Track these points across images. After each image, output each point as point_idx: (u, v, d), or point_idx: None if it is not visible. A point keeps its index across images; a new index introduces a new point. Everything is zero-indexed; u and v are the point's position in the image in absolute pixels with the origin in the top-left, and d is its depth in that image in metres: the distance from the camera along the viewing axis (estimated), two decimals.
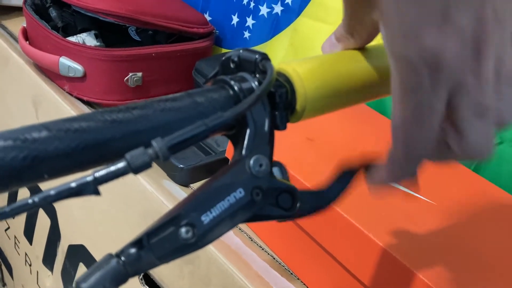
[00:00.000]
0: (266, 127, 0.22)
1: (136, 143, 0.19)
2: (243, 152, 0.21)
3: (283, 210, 0.22)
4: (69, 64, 0.67)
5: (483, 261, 0.40)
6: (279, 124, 0.23)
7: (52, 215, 0.74)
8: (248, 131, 0.21)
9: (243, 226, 0.53)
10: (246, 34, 0.75)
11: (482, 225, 0.45)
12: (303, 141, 0.51)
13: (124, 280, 0.18)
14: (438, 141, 0.22)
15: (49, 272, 0.79)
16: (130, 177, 0.61)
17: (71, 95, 0.70)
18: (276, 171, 0.22)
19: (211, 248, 0.49)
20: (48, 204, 0.16)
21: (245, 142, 0.21)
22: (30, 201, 0.16)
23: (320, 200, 0.24)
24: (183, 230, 0.19)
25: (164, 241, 0.19)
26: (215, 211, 0.19)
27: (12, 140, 0.17)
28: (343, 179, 0.25)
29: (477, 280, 0.38)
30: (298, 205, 0.22)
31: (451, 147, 0.22)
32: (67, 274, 0.73)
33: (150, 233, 0.19)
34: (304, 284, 0.48)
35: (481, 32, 0.19)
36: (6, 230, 0.90)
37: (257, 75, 0.22)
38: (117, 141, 0.19)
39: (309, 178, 0.44)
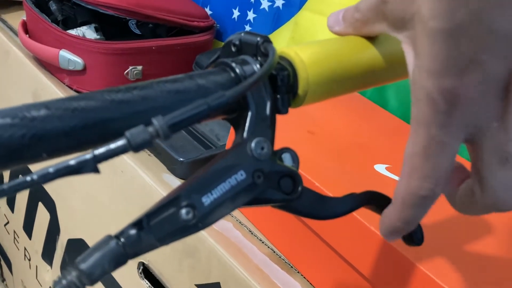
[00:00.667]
0: (268, 110, 0.21)
1: (136, 123, 0.18)
2: (245, 134, 0.21)
3: (284, 194, 0.21)
4: (69, 57, 0.67)
5: (487, 255, 0.39)
6: (280, 107, 0.22)
7: (52, 209, 0.74)
8: (249, 113, 0.21)
9: (242, 219, 0.53)
10: (247, 28, 0.75)
11: (486, 219, 0.44)
12: (304, 134, 0.51)
13: (123, 261, 0.18)
14: (462, 191, 0.22)
15: (48, 267, 0.78)
16: (130, 170, 0.61)
17: (71, 88, 0.70)
18: (287, 157, 0.22)
19: (211, 241, 0.49)
20: (47, 181, 0.16)
21: (247, 124, 0.21)
22: (28, 178, 0.16)
23: (322, 206, 0.24)
24: (183, 211, 0.18)
25: (164, 222, 0.18)
26: (216, 193, 0.19)
27: (11, 118, 0.17)
28: (353, 202, 0.25)
29: (481, 273, 0.37)
30: (299, 189, 0.22)
31: (475, 194, 0.22)
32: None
33: (150, 214, 0.18)
34: (304, 277, 0.47)
35: (510, 79, 0.19)
36: (5, 225, 0.90)
37: (259, 58, 0.22)
38: (117, 121, 0.18)
39: (310, 171, 0.44)
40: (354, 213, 0.40)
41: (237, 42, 0.23)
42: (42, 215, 0.76)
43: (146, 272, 0.58)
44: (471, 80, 0.19)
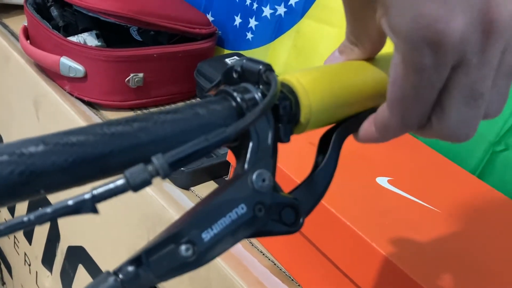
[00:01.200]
0: (270, 140, 0.21)
1: (136, 157, 0.18)
2: (246, 166, 0.20)
3: (286, 226, 0.21)
4: (70, 64, 0.67)
5: (487, 268, 0.39)
6: (282, 137, 0.22)
7: None
8: (250, 144, 0.21)
9: None
10: (249, 35, 0.74)
11: (487, 232, 0.44)
12: (305, 146, 0.51)
13: None
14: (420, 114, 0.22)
15: (48, 273, 0.78)
16: None
17: (72, 95, 0.69)
18: None
19: None
20: (44, 222, 0.16)
21: (248, 156, 0.20)
22: (25, 219, 0.16)
23: (315, 188, 0.23)
24: (183, 248, 0.18)
25: (164, 259, 0.18)
26: (216, 228, 0.19)
27: (8, 155, 0.16)
28: (331, 150, 0.24)
29: (481, 287, 0.37)
30: (301, 220, 0.22)
31: (432, 122, 0.22)
32: (66, 275, 0.73)
33: (149, 251, 0.18)
34: None
35: (492, 18, 0.19)
36: None
37: (261, 86, 0.22)
38: (116, 155, 0.18)
39: None
40: (356, 229, 0.40)
41: (238, 69, 0.23)
42: None
43: None
44: (453, 11, 0.19)
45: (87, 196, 0.16)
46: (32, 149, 0.17)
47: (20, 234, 0.84)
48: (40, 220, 0.16)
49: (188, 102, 0.21)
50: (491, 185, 0.50)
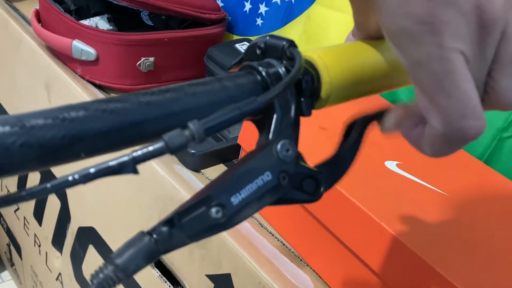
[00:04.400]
0: (292, 113, 0.22)
1: (169, 125, 0.19)
2: (270, 136, 0.21)
3: (307, 194, 0.22)
4: (82, 48, 0.67)
5: (493, 251, 0.40)
6: (304, 110, 0.23)
7: (63, 197, 0.75)
8: (275, 116, 0.22)
9: None
10: (259, 21, 0.75)
11: (493, 217, 0.45)
12: (316, 130, 0.52)
13: (155, 257, 0.19)
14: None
15: (58, 253, 0.80)
16: None
17: (83, 78, 0.70)
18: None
19: (222, 232, 0.50)
20: (87, 181, 0.17)
21: (272, 127, 0.22)
22: (70, 178, 0.17)
23: (337, 167, 0.25)
24: (213, 210, 0.19)
25: (195, 220, 0.19)
26: (244, 193, 0.20)
27: (52, 119, 0.17)
28: (355, 134, 0.25)
29: (487, 269, 0.38)
30: (321, 190, 0.23)
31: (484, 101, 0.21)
32: (76, 255, 0.74)
33: (181, 213, 0.19)
34: (313, 270, 0.48)
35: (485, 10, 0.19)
36: (15, 211, 0.91)
37: (284, 62, 0.23)
38: (151, 123, 0.19)
39: None
40: (365, 209, 0.41)
41: (262, 45, 0.24)
42: (53, 203, 0.77)
43: (157, 262, 0.59)
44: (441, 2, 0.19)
45: (128, 157, 0.17)
46: (73, 114, 0.18)
47: (30, 215, 0.85)
48: (84, 179, 0.17)
49: (215, 76, 0.22)
50: (497, 171, 0.51)
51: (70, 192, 0.73)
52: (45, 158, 0.17)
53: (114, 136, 0.18)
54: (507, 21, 0.20)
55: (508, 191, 0.50)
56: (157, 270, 0.59)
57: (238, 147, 0.60)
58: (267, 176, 0.21)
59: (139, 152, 0.17)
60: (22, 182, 0.86)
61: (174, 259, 0.56)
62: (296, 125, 0.22)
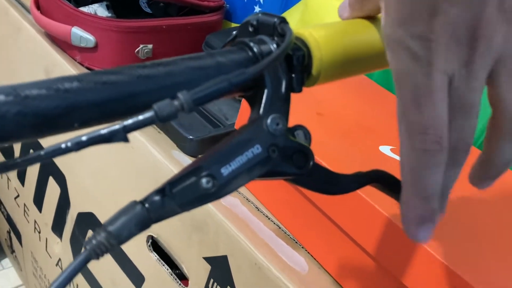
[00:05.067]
0: (283, 89, 0.23)
1: (161, 97, 0.20)
2: (261, 111, 0.22)
3: (296, 168, 0.23)
4: (81, 34, 0.68)
5: (494, 239, 0.41)
6: (295, 86, 0.23)
7: (62, 183, 0.75)
8: (265, 91, 0.22)
9: (250, 196, 0.55)
10: (257, 9, 0.75)
11: (498, 208, 0.45)
12: (312, 116, 0.52)
13: (147, 225, 0.19)
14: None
15: (58, 239, 0.81)
16: (141, 146, 0.62)
17: (82, 65, 0.71)
18: (300, 134, 0.23)
19: (219, 215, 0.51)
20: (80, 148, 0.18)
21: (263, 101, 0.22)
22: (63, 145, 0.17)
23: (331, 182, 0.25)
24: (204, 180, 0.20)
25: (186, 190, 0.20)
26: (234, 165, 0.20)
27: (46, 89, 0.18)
28: (361, 180, 0.26)
29: (487, 256, 0.39)
30: (311, 164, 0.23)
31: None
32: (76, 241, 0.75)
33: (173, 183, 0.20)
34: (308, 252, 0.49)
35: (476, 27, 0.20)
36: (15, 198, 0.92)
37: (276, 38, 0.23)
38: (144, 95, 0.20)
39: (317, 152, 0.45)
40: (358, 191, 0.42)
41: (254, 23, 0.24)
42: (53, 189, 0.78)
43: (155, 245, 0.60)
44: (439, 26, 0.20)
45: (119, 125, 0.18)
46: (67, 85, 0.18)
47: (30, 202, 0.86)
48: (76, 147, 0.17)
49: (208, 51, 0.23)
50: None
51: (70, 178, 0.74)
52: (40, 127, 0.18)
53: (107, 107, 0.19)
54: (501, 45, 0.21)
55: (509, 181, 0.50)
56: (155, 254, 0.60)
57: None
58: (257, 149, 0.21)
59: (130, 121, 0.18)
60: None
61: (173, 243, 0.57)
62: (286, 101, 0.23)
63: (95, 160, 0.68)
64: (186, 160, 0.59)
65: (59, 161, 0.75)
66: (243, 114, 0.54)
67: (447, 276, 0.36)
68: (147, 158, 0.59)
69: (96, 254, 0.18)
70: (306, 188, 0.24)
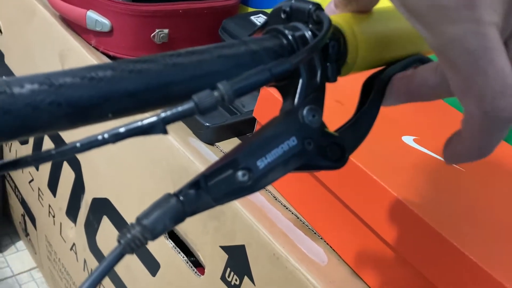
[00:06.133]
0: (318, 78, 0.22)
1: (196, 87, 0.19)
2: (296, 102, 0.21)
3: (331, 161, 0.22)
4: (96, 18, 0.67)
5: (507, 224, 0.40)
6: (330, 76, 0.23)
7: (77, 168, 0.75)
8: (301, 81, 0.21)
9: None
10: None
11: (509, 192, 0.45)
12: (332, 104, 0.51)
13: (182, 219, 0.19)
14: None
15: (72, 224, 0.81)
16: None
17: (97, 49, 0.70)
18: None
19: (237, 204, 0.50)
20: (117, 140, 0.17)
21: (298, 92, 0.21)
22: (100, 137, 0.17)
23: (358, 129, 0.24)
24: (239, 173, 0.19)
25: (221, 183, 0.19)
26: (270, 157, 0.20)
27: (80, 78, 0.17)
28: (375, 92, 0.25)
29: (503, 243, 0.38)
30: (346, 157, 0.22)
31: None
32: (90, 226, 0.76)
33: (208, 175, 0.19)
34: (327, 243, 0.49)
35: None
36: (30, 182, 0.93)
37: (310, 25, 0.22)
38: (178, 84, 0.19)
39: None
40: (381, 182, 0.41)
41: (287, 9, 0.23)
42: (67, 174, 0.78)
43: (171, 233, 0.60)
44: None
45: (157, 117, 0.17)
46: (101, 74, 0.18)
47: (44, 187, 0.86)
48: (113, 139, 0.17)
49: (241, 38, 0.22)
50: None
51: (85, 164, 0.74)
52: (74, 117, 0.17)
53: (141, 97, 0.18)
54: None
55: None
56: (171, 241, 0.60)
57: (252, 121, 0.60)
58: (292, 141, 0.20)
59: (169, 113, 0.17)
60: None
61: (188, 230, 0.57)
62: (321, 91, 0.22)
63: (111, 146, 0.67)
64: (203, 148, 0.58)
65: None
66: (262, 102, 0.53)
67: (469, 269, 0.36)
68: (163, 145, 0.59)
69: (131, 248, 0.18)
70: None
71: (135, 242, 0.18)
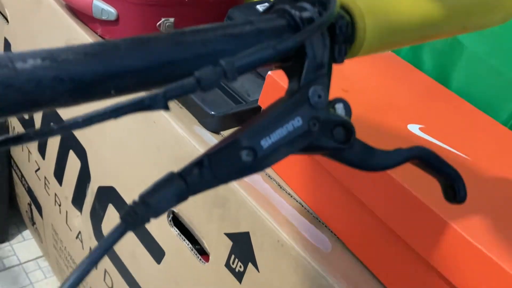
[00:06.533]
0: (325, 59, 0.22)
1: (200, 65, 0.19)
2: (301, 82, 0.21)
3: (337, 142, 0.22)
4: (102, 7, 0.67)
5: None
6: (337, 57, 0.22)
7: (83, 157, 0.76)
8: (307, 61, 0.21)
9: (272, 173, 0.54)
10: None
11: None
12: (338, 93, 0.51)
13: (185, 198, 0.19)
14: None
15: (78, 213, 0.81)
16: (163, 121, 0.62)
17: (103, 38, 0.70)
18: (340, 107, 0.22)
19: (241, 192, 0.50)
20: (119, 115, 0.17)
21: (304, 72, 0.21)
22: (101, 112, 0.17)
23: (370, 158, 0.24)
24: (244, 153, 0.19)
25: (225, 162, 0.19)
26: (274, 137, 0.20)
27: (83, 55, 0.17)
28: (401, 156, 0.25)
29: (508, 231, 0.38)
30: (352, 138, 0.22)
31: None
32: (96, 214, 0.76)
33: (211, 155, 0.19)
34: (331, 231, 0.48)
35: None
36: (36, 171, 0.93)
37: (317, 6, 0.22)
38: (182, 62, 0.19)
39: None
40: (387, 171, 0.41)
41: None
42: (73, 163, 0.78)
43: (175, 220, 0.60)
44: None
45: (160, 92, 0.17)
46: (104, 50, 0.18)
47: (50, 175, 0.87)
48: (115, 114, 0.17)
49: (247, 18, 0.22)
50: None
51: (90, 153, 0.74)
52: (76, 93, 0.17)
53: (145, 74, 0.18)
54: None
55: None
56: (176, 229, 0.60)
57: (257, 110, 0.59)
58: (297, 122, 0.20)
59: (170, 88, 0.17)
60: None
61: (193, 218, 0.57)
62: (328, 72, 0.22)
63: (116, 134, 0.67)
64: (208, 136, 0.58)
65: (80, 134, 0.75)
66: (267, 90, 0.53)
67: (475, 255, 0.36)
68: (169, 133, 0.59)
69: (133, 225, 0.18)
70: (343, 163, 0.23)
71: (137, 220, 0.18)
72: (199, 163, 0.19)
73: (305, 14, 0.22)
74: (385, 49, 0.25)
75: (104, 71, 0.17)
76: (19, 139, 0.17)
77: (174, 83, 0.17)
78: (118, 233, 0.18)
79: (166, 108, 0.17)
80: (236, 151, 0.19)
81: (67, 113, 0.70)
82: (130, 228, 0.18)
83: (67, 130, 0.17)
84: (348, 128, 0.22)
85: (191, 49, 0.19)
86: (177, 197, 0.19)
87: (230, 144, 0.19)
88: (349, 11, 0.23)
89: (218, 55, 0.19)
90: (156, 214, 0.18)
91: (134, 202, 0.18)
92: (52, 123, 0.17)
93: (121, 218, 0.18)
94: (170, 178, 0.19)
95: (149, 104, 0.17)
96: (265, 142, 0.19)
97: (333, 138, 0.22)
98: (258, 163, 0.19)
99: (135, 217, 0.18)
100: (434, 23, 0.25)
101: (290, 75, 0.22)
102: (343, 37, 0.22)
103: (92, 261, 0.17)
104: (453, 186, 0.25)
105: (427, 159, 0.25)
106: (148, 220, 0.18)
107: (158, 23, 0.68)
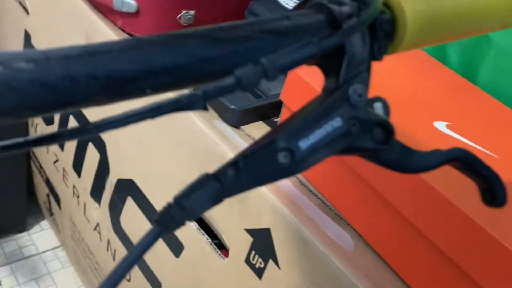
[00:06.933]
0: (365, 56, 0.21)
1: (238, 62, 0.18)
2: (340, 80, 0.20)
3: (376, 143, 0.21)
4: None
5: None
6: (376, 54, 0.21)
7: (102, 150, 0.76)
8: (346, 58, 0.20)
9: None
10: None
11: None
12: None
13: (220, 200, 0.18)
14: None
15: (97, 204, 0.82)
16: (183, 115, 0.61)
17: (123, 31, 0.70)
18: (378, 106, 0.21)
19: (263, 188, 0.50)
20: (157, 116, 0.16)
21: (343, 70, 0.20)
22: (139, 111, 0.16)
23: (409, 159, 0.23)
24: (281, 154, 0.18)
25: (261, 164, 0.18)
26: (312, 138, 0.19)
27: (119, 51, 0.17)
28: (440, 158, 0.24)
29: None
30: (392, 139, 0.21)
31: None
32: (115, 207, 0.76)
33: (247, 156, 0.18)
34: (354, 229, 0.48)
35: None
36: (54, 162, 0.94)
37: (356, 0, 0.21)
38: (220, 59, 0.18)
39: None
40: None
41: None
42: (92, 155, 0.78)
43: None
44: None
45: (198, 92, 0.16)
46: (140, 46, 0.17)
47: (69, 167, 0.87)
48: (152, 114, 0.16)
49: (284, 13, 0.21)
50: None
51: (110, 145, 0.74)
52: (111, 91, 0.17)
53: (181, 72, 0.18)
54: None
55: None
56: (195, 223, 0.60)
57: (278, 105, 0.59)
58: (337, 122, 0.19)
59: (209, 88, 0.16)
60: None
61: (213, 212, 0.56)
62: (367, 70, 0.21)
63: (136, 127, 0.67)
64: (228, 130, 0.58)
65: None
66: (290, 84, 0.52)
67: (509, 260, 0.35)
68: (189, 127, 0.58)
69: (168, 228, 0.17)
70: (380, 165, 0.23)
71: (173, 223, 0.17)
72: (234, 164, 0.18)
73: (345, 9, 0.21)
74: (425, 45, 0.24)
75: (140, 68, 0.17)
76: (53, 138, 0.17)
77: (213, 83, 0.17)
78: (153, 237, 0.17)
79: (205, 108, 0.17)
80: (272, 153, 0.18)
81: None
82: (166, 231, 0.17)
83: (103, 130, 0.16)
84: (388, 128, 0.21)
85: (229, 45, 0.18)
86: (212, 199, 0.18)
87: (266, 145, 0.18)
88: (389, 5, 0.22)
89: (257, 52, 0.19)
90: (192, 217, 0.18)
91: (169, 205, 0.18)
92: (86, 123, 0.17)
93: (156, 221, 0.18)
94: (205, 179, 0.18)
95: (187, 104, 0.16)
96: (304, 144, 0.19)
97: (372, 139, 0.21)
98: (295, 166, 0.19)
99: (171, 220, 0.17)
100: (477, 19, 0.24)
101: (326, 73, 0.22)
102: (383, 34, 0.21)
103: (128, 265, 0.17)
104: (491, 189, 0.24)
105: (466, 161, 0.24)
106: (183, 223, 0.18)
107: (178, 16, 0.67)
